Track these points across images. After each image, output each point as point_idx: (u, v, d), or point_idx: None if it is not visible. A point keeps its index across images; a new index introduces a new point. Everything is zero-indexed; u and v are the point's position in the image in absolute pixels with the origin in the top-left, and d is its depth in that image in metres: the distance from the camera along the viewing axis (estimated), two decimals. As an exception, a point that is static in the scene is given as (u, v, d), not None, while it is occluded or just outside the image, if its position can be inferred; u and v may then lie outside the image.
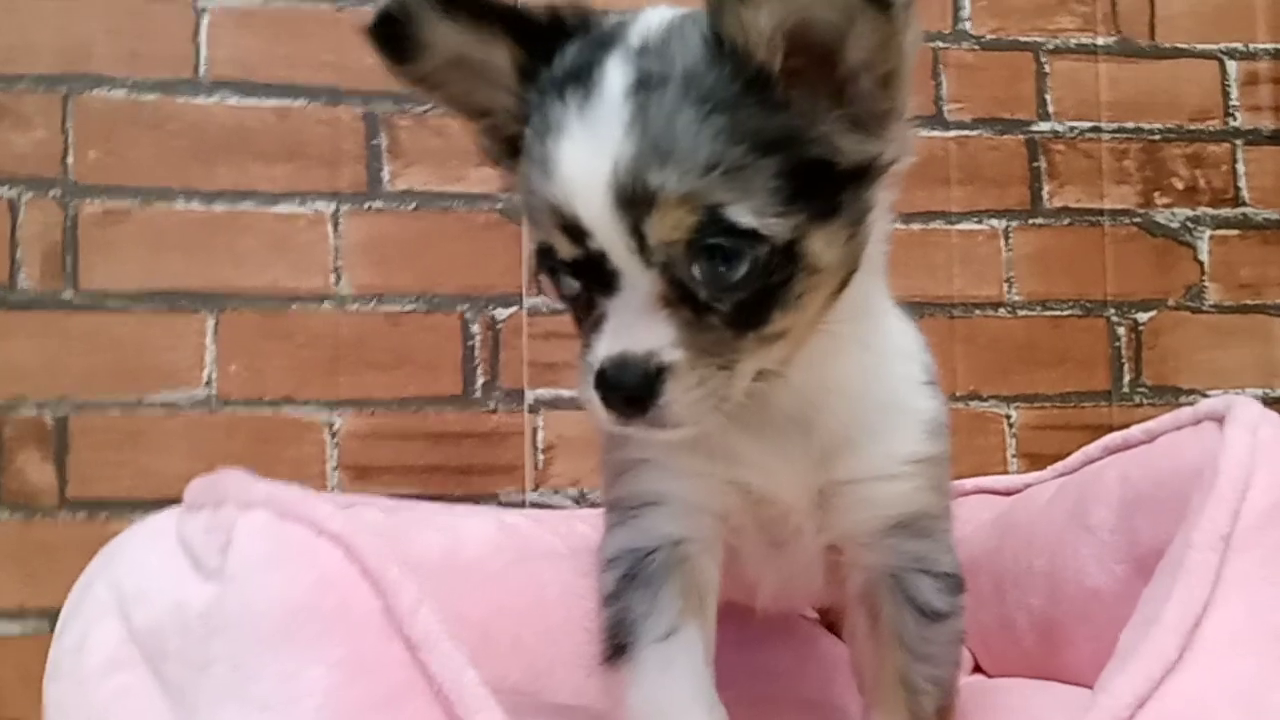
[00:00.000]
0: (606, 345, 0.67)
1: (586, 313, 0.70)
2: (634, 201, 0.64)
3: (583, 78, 0.67)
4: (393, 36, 0.72)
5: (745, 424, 0.75)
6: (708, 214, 0.64)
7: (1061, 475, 1.09)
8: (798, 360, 0.73)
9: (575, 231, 0.67)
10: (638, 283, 0.66)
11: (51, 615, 0.88)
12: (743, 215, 0.64)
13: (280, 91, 1.56)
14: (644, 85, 0.65)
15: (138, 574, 0.85)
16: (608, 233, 0.65)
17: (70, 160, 1.52)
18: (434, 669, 0.66)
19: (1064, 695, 0.93)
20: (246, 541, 0.73)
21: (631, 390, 0.65)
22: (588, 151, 0.65)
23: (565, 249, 0.68)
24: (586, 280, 0.69)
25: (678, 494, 0.78)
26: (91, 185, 1.52)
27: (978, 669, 1.16)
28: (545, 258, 0.70)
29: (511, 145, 0.74)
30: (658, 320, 0.66)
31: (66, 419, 1.48)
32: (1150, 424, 0.93)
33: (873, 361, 0.78)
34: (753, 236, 0.65)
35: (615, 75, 0.66)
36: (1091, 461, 1.01)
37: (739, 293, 0.66)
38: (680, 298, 0.66)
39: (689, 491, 0.78)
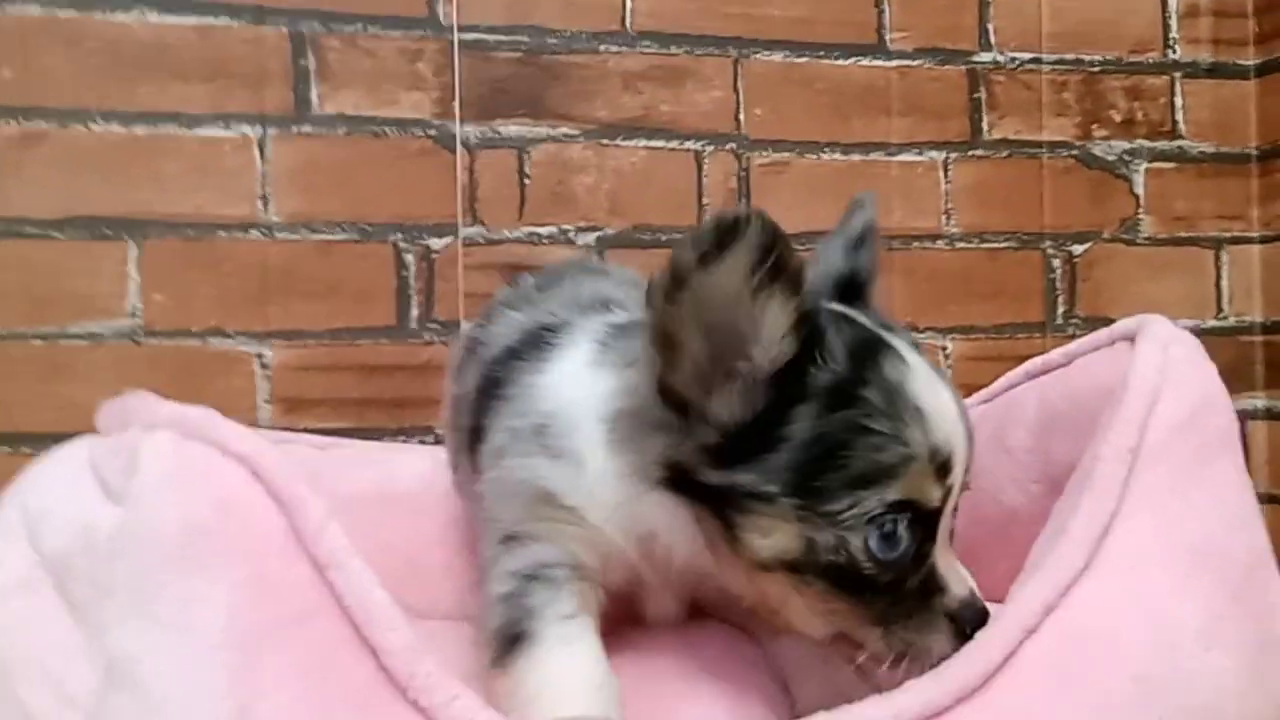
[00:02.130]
0: (958, 589, 0.74)
1: (911, 570, 0.73)
2: (972, 441, 0.76)
3: (893, 355, 0.75)
4: (721, 242, 0.67)
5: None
6: None
7: (985, 402, 1.10)
8: None
9: (945, 474, 0.73)
10: (945, 526, 0.75)
11: (-30, 547, 0.85)
12: None
13: (202, 8, 1.50)
14: (922, 356, 0.78)
15: (48, 498, 0.83)
16: (962, 472, 0.75)
17: (-18, 81, 1.46)
18: (341, 588, 0.65)
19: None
20: (151, 462, 0.71)
21: (980, 625, 0.71)
22: (948, 403, 0.75)
23: (933, 496, 0.72)
24: (922, 529, 0.73)
25: (577, 535, 0.81)
26: (6, 106, 1.46)
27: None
28: (897, 511, 0.71)
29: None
30: (957, 559, 0.76)
31: (-15, 349, 1.44)
32: (1069, 346, 0.93)
33: None
34: None
35: (906, 347, 0.77)
36: (1014, 386, 1.02)
37: None
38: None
39: (595, 549, 0.81)
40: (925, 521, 0.72)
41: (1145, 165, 1.78)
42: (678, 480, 0.75)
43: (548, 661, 0.73)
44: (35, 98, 1.47)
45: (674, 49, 1.65)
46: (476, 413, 0.93)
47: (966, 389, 1.69)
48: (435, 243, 1.57)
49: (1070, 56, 1.77)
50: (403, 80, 1.56)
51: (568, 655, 0.74)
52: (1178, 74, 1.80)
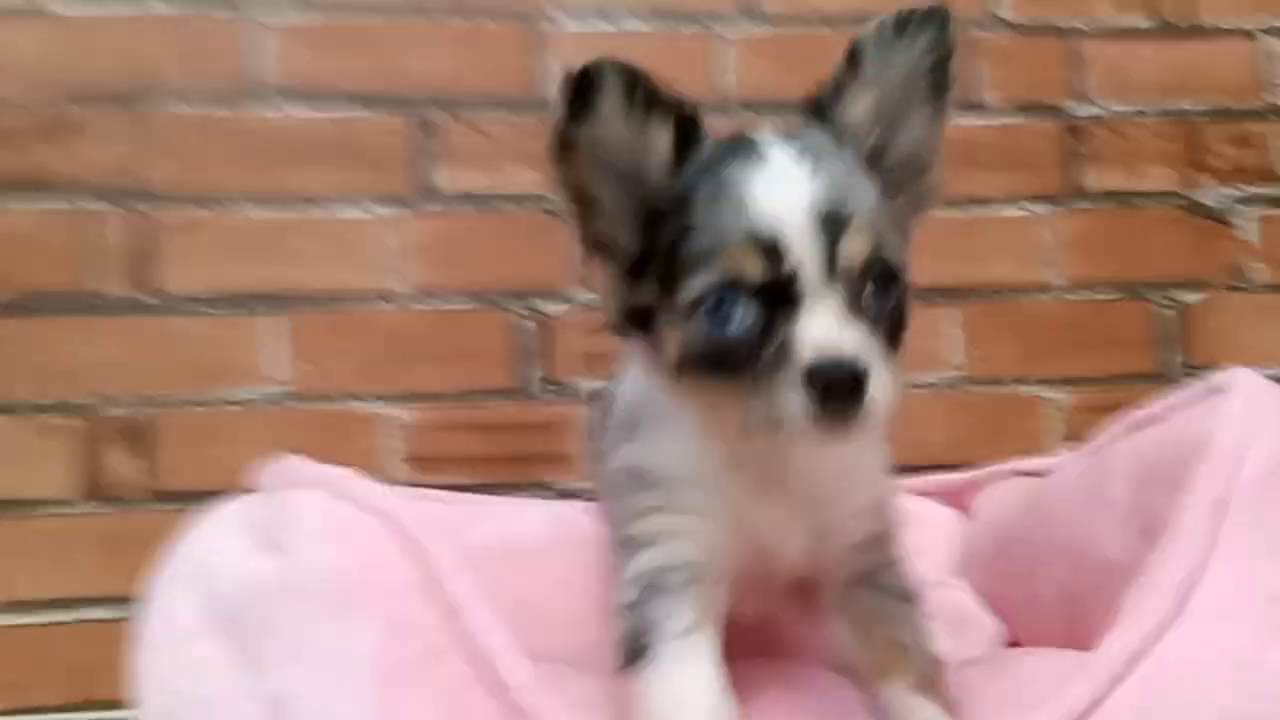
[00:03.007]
0: (814, 346, 0.72)
1: (759, 343, 0.74)
2: (832, 223, 0.74)
3: (746, 154, 0.77)
4: (584, 96, 0.76)
5: (763, 489, 0.85)
6: (876, 245, 0.75)
7: (1089, 455, 1.11)
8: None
9: (772, 253, 0.73)
10: (824, 300, 0.74)
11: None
12: (893, 254, 0.77)
13: (338, 103, 1.65)
14: (808, 154, 0.76)
15: (213, 552, 0.93)
16: (806, 250, 0.73)
17: (148, 173, 1.63)
18: (469, 629, 0.73)
19: (1075, 659, 0.95)
20: (303, 519, 0.80)
21: (847, 384, 0.71)
22: (785, 188, 0.75)
23: (755, 271, 0.74)
24: (768, 305, 0.74)
25: (692, 528, 0.86)
26: (169, 194, 1.62)
27: (1014, 644, 1.19)
28: (721, 291, 0.75)
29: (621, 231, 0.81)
30: (851, 327, 0.73)
31: (155, 417, 1.59)
32: (1167, 400, 0.95)
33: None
34: (898, 273, 0.77)
35: (777, 149, 0.77)
36: (1114, 441, 1.04)
37: (889, 320, 0.77)
38: (857, 315, 0.74)
39: (702, 527, 0.86)
40: (769, 295, 0.73)
41: (1254, 212, 1.76)
42: (635, 322, 0.82)
43: (666, 681, 0.78)
44: (194, 187, 1.63)
45: (763, 113, 1.72)
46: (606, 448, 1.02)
47: (1078, 442, 1.69)
48: (552, 308, 1.66)
49: (1169, 105, 1.77)
50: (518, 159, 1.68)
51: (684, 678, 0.79)
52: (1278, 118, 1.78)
